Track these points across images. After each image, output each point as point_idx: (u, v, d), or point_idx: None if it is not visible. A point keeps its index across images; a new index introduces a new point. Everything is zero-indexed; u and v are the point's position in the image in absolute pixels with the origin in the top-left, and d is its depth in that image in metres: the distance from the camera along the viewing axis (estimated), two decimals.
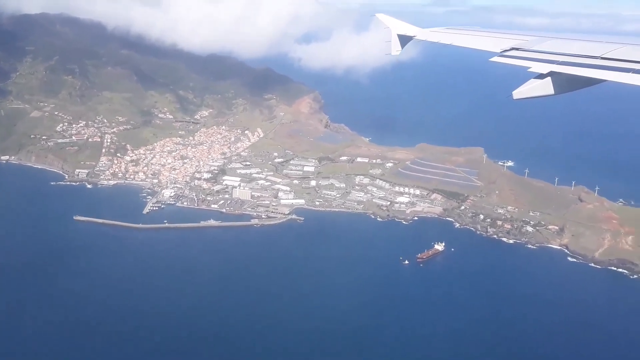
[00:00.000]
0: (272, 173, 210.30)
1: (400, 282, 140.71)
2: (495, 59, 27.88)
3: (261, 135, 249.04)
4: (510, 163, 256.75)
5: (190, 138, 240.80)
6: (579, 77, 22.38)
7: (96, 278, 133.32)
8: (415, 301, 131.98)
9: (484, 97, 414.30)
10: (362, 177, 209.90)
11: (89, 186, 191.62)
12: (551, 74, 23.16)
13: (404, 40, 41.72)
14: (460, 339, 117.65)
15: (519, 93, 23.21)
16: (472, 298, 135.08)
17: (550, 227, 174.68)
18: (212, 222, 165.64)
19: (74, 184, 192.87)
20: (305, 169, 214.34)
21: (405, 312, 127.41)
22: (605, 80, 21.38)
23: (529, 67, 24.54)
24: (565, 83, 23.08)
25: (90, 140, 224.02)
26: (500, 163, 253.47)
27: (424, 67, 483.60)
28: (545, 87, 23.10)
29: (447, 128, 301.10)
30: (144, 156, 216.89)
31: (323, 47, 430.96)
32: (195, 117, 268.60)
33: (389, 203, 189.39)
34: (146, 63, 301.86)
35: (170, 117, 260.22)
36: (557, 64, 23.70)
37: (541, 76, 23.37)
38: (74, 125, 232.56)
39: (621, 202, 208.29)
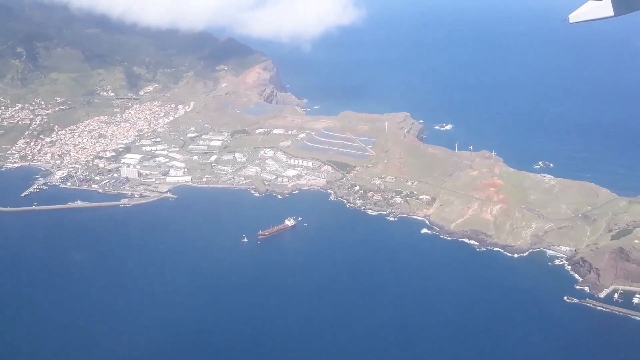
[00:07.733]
0: (177, 149, 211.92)
1: (223, 260, 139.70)
2: None
3: (189, 109, 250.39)
4: (448, 127, 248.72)
5: (119, 116, 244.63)
6: None
7: None
8: (224, 278, 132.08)
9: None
10: (268, 149, 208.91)
11: None
12: None
13: None
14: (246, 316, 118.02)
15: (575, 17, 22.17)
16: (288, 274, 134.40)
17: (421, 197, 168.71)
18: (78, 204, 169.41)
19: None
20: (212, 143, 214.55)
21: (208, 289, 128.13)
22: None
23: None
24: (626, 2, 21.41)
25: (20, 123, 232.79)
26: (436, 127, 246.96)
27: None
28: (604, 9, 21.57)
29: (400, 93, 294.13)
30: (64, 137, 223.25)
31: (280, 12, 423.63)
32: (140, 93, 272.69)
33: (274, 177, 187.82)
34: (107, 41, 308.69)
35: (112, 94, 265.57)
36: None
37: None
38: (10, 109, 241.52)
39: (539, 165, 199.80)
